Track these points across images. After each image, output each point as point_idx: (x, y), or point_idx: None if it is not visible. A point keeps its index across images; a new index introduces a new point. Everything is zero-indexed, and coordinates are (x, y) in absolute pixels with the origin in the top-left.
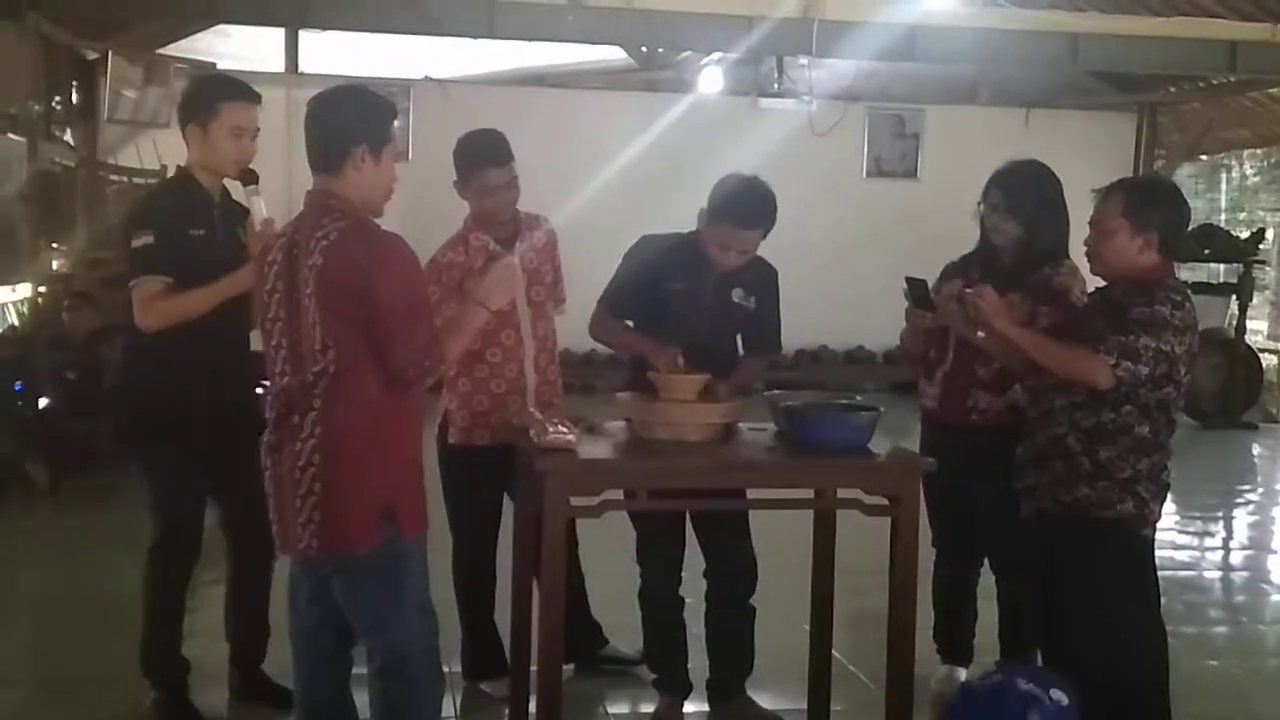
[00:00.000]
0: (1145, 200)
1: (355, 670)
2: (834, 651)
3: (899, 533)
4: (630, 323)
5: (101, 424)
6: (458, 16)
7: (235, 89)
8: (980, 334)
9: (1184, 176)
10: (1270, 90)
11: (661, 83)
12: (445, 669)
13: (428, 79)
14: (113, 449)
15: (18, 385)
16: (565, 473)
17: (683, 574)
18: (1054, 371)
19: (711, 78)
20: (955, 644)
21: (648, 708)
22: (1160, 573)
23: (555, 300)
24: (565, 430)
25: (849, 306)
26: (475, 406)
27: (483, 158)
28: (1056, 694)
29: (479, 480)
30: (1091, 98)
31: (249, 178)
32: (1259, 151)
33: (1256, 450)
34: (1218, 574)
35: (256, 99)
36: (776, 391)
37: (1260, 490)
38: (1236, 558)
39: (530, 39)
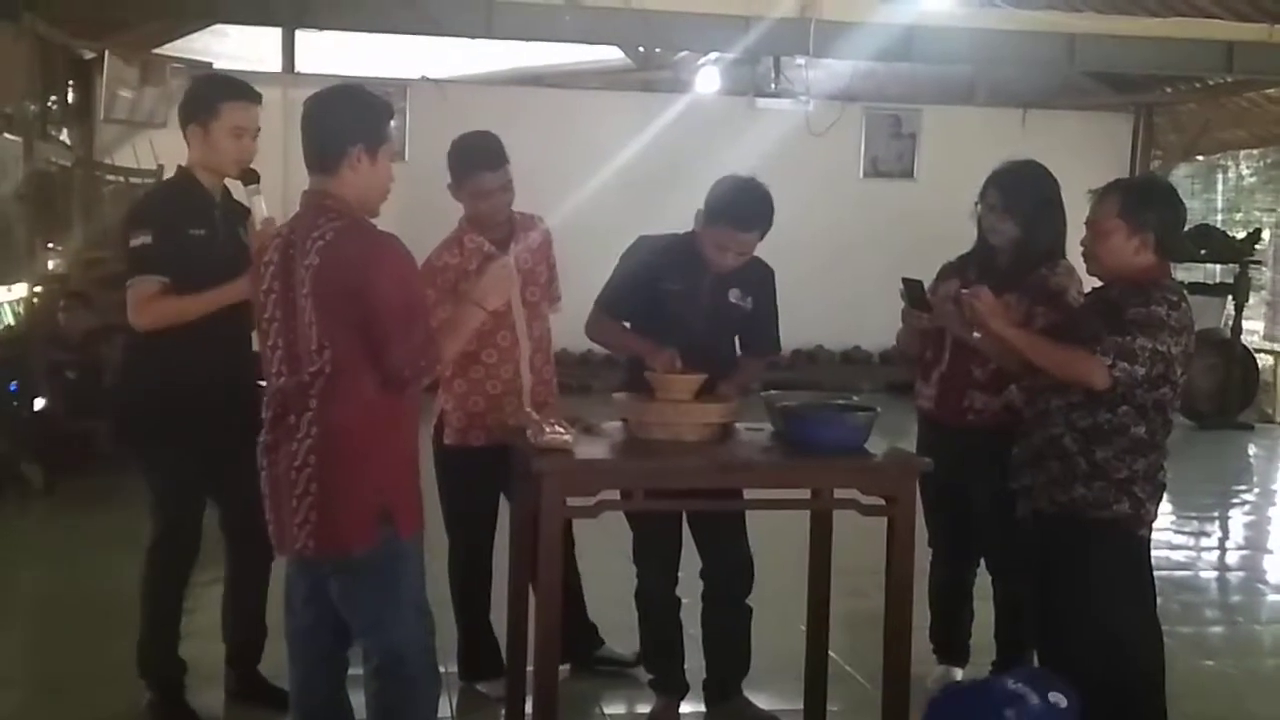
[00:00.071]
0: (1141, 201)
1: (351, 671)
2: (830, 652)
3: (895, 533)
4: (627, 323)
5: (99, 424)
6: (455, 16)
7: (236, 89)
8: (976, 334)
9: (1180, 177)
10: (1267, 91)
11: (659, 83)
12: (441, 669)
13: (424, 79)
14: (111, 449)
15: (13, 385)
16: (562, 473)
17: (679, 574)
18: (1050, 372)
19: (709, 78)
20: (952, 644)
21: (644, 708)
22: (1156, 573)
23: (550, 299)
24: (562, 430)
25: (846, 307)
26: (471, 407)
27: (477, 162)
28: (1054, 696)
29: (475, 481)
30: (1088, 98)
31: (250, 177)
32: (1255, 152)
33: (1252, 450)
34: (1214, 574)
35: (257, 99)
36: (773, 392)
37: (1256, 490)
38: (1232, 558)
39: (527, 39)
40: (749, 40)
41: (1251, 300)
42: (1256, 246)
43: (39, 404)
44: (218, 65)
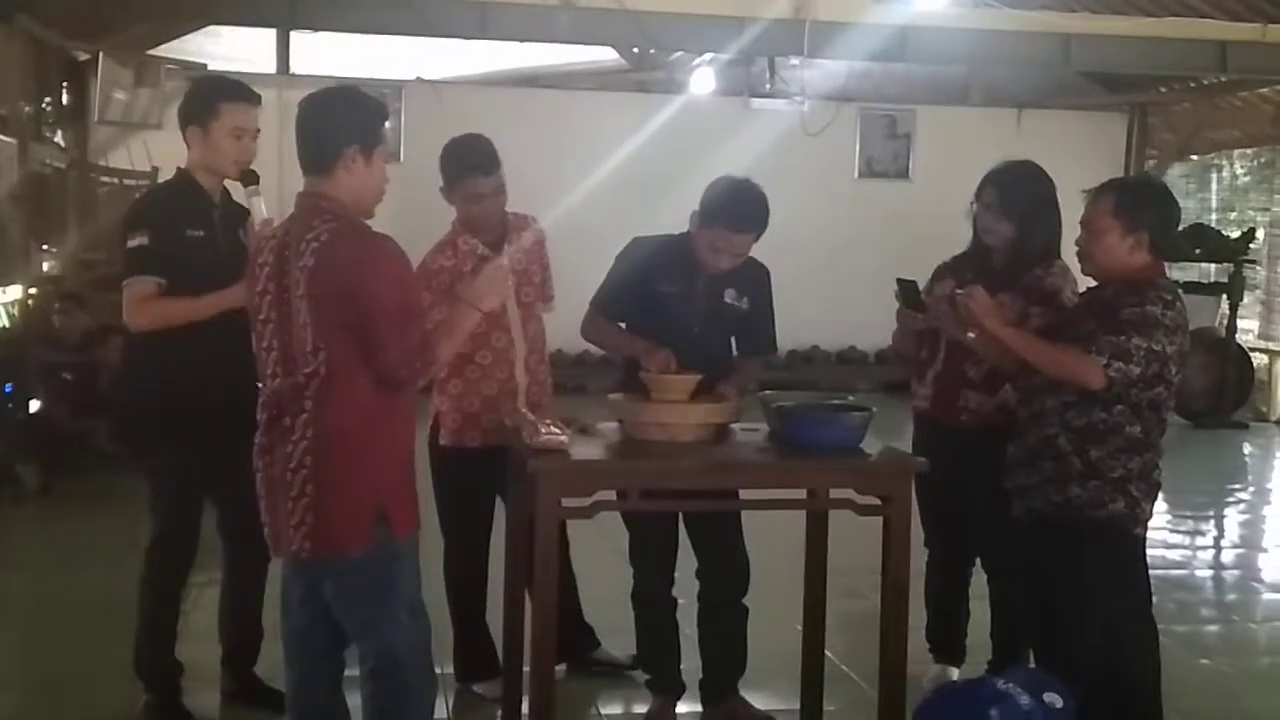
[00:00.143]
0: (1136, 200)
1: (347, 672)
2: (827, 651)
3: (891, 532)
4: (623, 324)
5: (96, 425)
6: (450, 17)
7: (236, 90)
8: (971, 335)
9: (1175, 176)
10: (1260, 90)
11: (653, 83)
12: (437, 670)
13: (419, 80)
14: (110, 449)
15: (8, 387)
16: (557, 474)
17: (675, 574)
18: (1045, 372)
19: (703, 78)
20: (948, 643)
21: (641, 708)
22: (1152, 572)
23: (544, 298)
24: (557, 431)
25: (841, 307)
26: (466, 408)
27: (469, 166)
28: (1050, 696)
29: (470, 482)
30: (1083, 98)
31: (249, 178)
32: (1249, 151)
33: (1247, 449)
34: (1209, 573)
35: (257, 100)
36: (769, 392)
37: (1251, 489)
38: (1228, 556)
39: (522, 40)
40: (744, 41)
41: (1246, 299)
42: (1251, 246)
43: (34, 405)
44: (212, 66)
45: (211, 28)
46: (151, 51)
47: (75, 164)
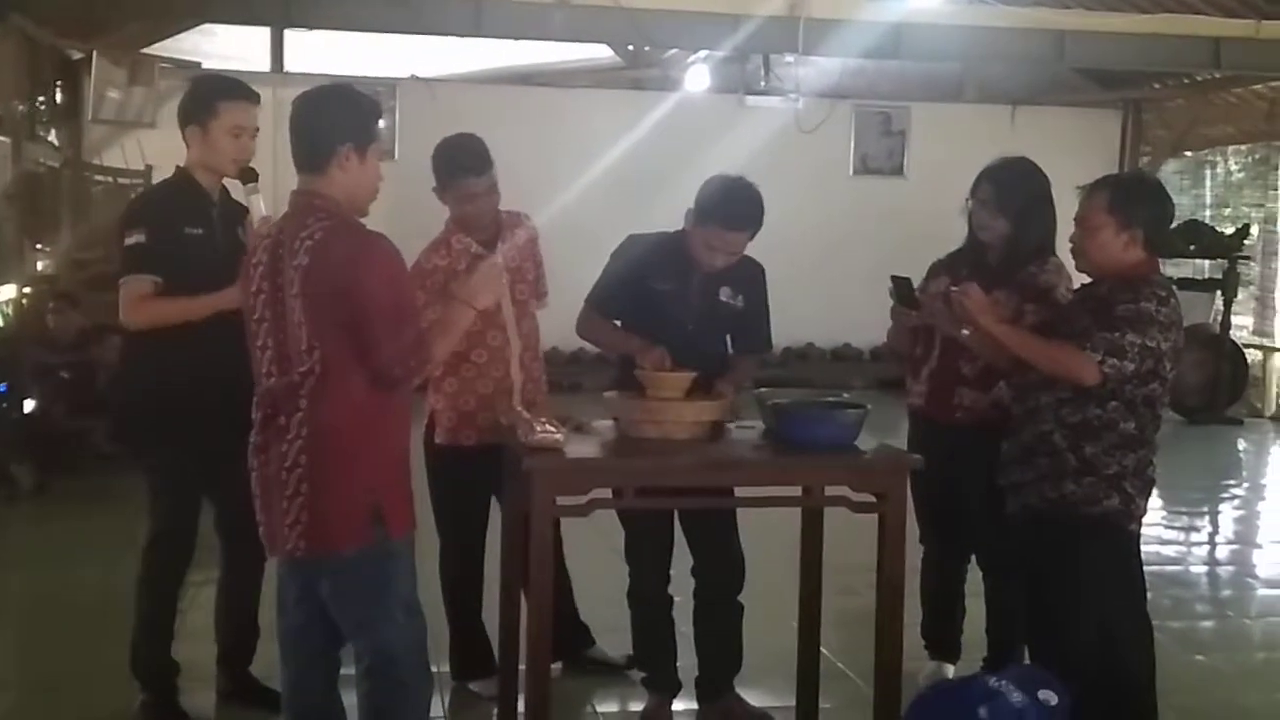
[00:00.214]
0: (1130, 197)
1: (343, 671)
2: (822, 649)
3: (886, 529)
4: (618, 322)
5: (92, 424)
6: (444, 14)
7: (235, 89)
8: (965, 331)
9: (1169, 173)
10: (1254, 87)
11: (648, 81)
12: (434, 669)
13: (413, 78)
14: (105, 449)
15: (3, 386)
16: (552, 471)
17: (671, 572)
18: (1040, 368)
19: (698, 76)
20: (943, 640)
21: (636, 706)
22: (1146, 568)
23: (538, 295)
24: (553, 429)
25: (836, 304)
26: (462, 407)
27: (462, 165)
28: (1044, 693)
29: (466, 480)
30: (1077, 95)
31: (248, 176)
32: (1243, 147)
33: (1242, 445)
34: (1204, 569)
35: (256, 99)
36: (764, 389)
37: (1245, 485)
38: (1222, 552)
39: (517, 37)
40: (738, 38)
41: (1240, 295)
42: (1245, 242)
43: (29, 405)
44: (206, 65)
45: (206, 26)
46: (145, 50)
47: (69, 163)
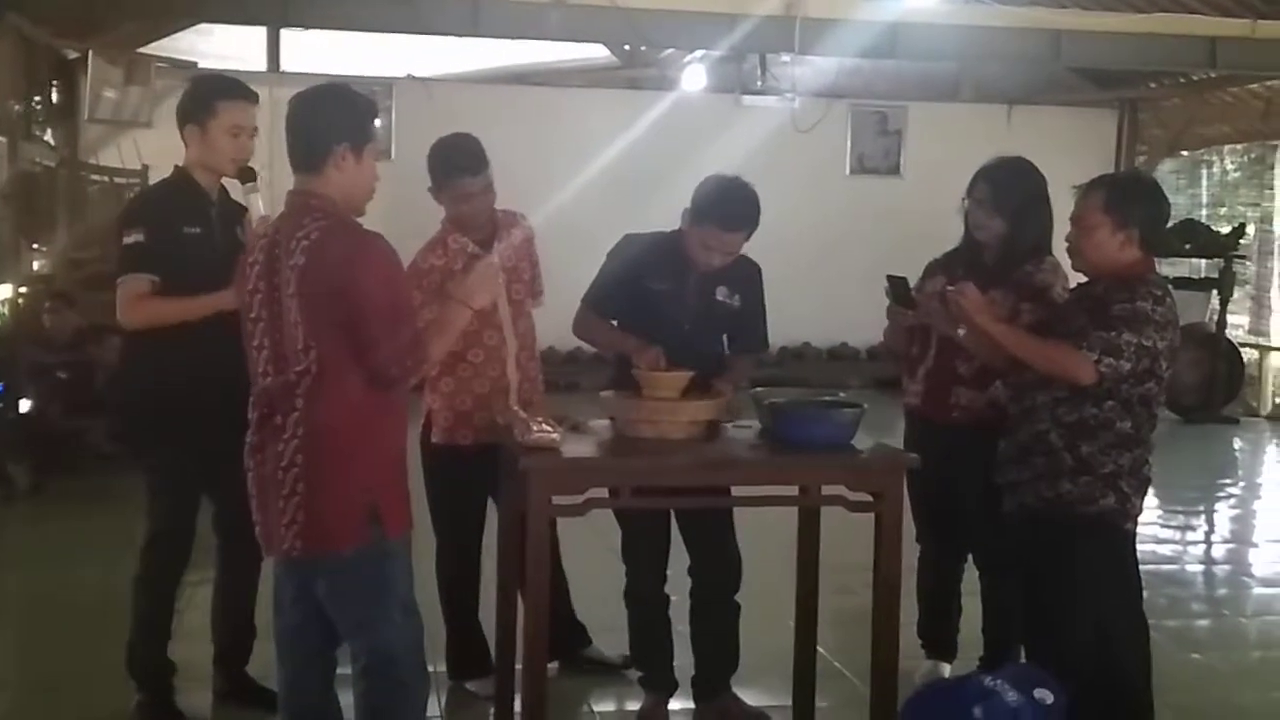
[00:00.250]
0: (1126, 196)
1: (340, 671)
2: (819, 648)
3: (883, 529)
4: (615, 322)
5: (89, 424)
6: (441, 14)
7: (233, 88)
8: (961, 331)
9: (1165, 172)
10: (1250, 86)
11: (644, 80)
12: (430, 668)
13: (410, 77)
14: (102, 449)
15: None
16: (549, 471)
17: (668, 571)
18: (1036, 368)
19: (694, 75)
20: (940, 639)
21: (633, 705)
22: (1142, 567)
23: (534, 294)
24: (549, 429)
25: (832, 303)
26: (458, 406)
27: (458, 165)
28: (1040, 692)
29: (462, 480)
30: (1073, 94)
31: (247, 176)
32: (1239, 147)
33: (1237, 444)
34: (1200, 568)
35: (255, 98)
36: (760, 389)
37: (1241, 484)
38: (1218, 551)
39: (513, 37)
40: (734, 38)
41: (1236, 295)
42: (1241, 241)
43: (25, 405)
44: (203, 64)
45: (202, 25)
46: (142, 50)
47: (65, 162)
